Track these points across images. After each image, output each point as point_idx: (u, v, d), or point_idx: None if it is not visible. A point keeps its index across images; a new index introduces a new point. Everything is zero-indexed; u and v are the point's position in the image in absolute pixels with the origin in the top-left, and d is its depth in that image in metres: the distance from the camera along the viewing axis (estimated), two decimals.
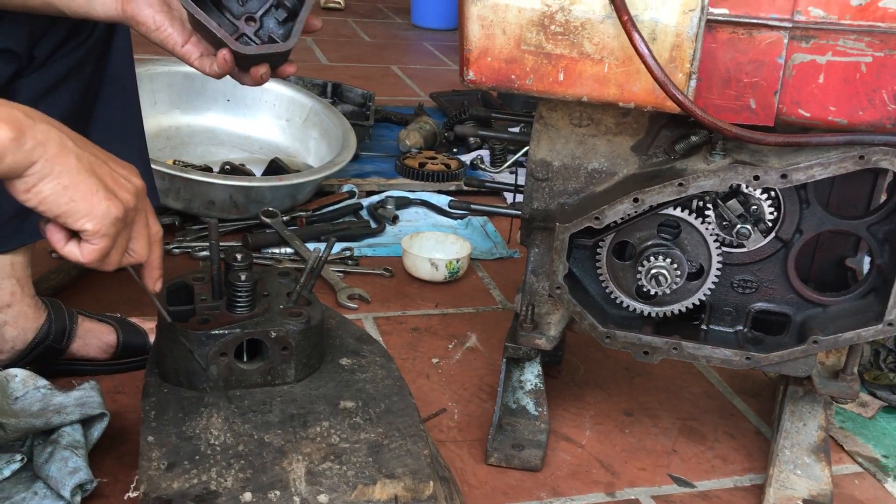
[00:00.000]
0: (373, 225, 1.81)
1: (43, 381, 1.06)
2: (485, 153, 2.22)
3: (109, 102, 1.20)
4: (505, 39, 0.96)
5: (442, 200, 1.99)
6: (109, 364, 1.20)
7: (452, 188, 2.05)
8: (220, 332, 0.96)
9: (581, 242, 1.08)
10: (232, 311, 0.99)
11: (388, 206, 1.90)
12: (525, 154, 2.12)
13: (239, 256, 1.02)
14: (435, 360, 1.37)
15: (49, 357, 1.15)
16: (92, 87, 1.18)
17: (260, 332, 0.97)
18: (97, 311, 1.27)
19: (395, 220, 1.86)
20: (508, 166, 2.18)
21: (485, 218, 1.90)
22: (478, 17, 0.96)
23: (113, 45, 1.19)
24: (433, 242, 1.69)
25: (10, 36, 1.06)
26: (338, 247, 1.69)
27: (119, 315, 1.27)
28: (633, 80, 0.94)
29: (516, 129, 2.19)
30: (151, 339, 1.23)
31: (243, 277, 0.99)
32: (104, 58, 1.19)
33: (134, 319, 1.26)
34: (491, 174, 2.16)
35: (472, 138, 2.30)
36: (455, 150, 2.27)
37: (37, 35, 1.08)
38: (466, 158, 2.19)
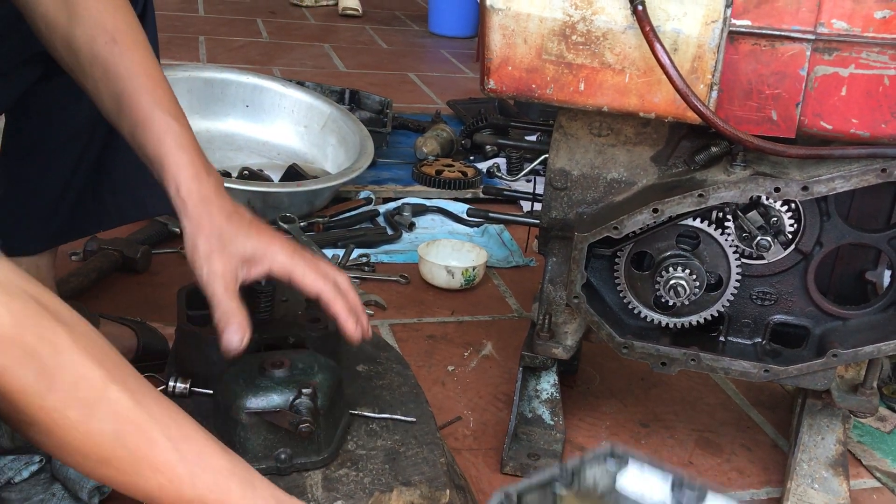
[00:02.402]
0: (389, 232, 1.82)
1: None
2: (501, 161, 2.22)
3: None
4: (526, 49, 0.96)
5: (458, 208, 2.00)
6: None
7: (469, 196, 2.05)
8: None
9: (599, 252, 1.08)
10: (251, 317, 1.00)
11: (405, 213, 1.90)
12: (542, 163, 2.13)
13: None
14: (450, 368, 1.37)
15: None
16: None
17: (278, 337, 0.98)
18: (117, 315, 1.28)
19: (411, 227, 1.87)
20: (525, 174, 2.18)
21: (501, 226, 1.90)
22: (499, 27, 0.96)
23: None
24: (449, 250, 1.69)
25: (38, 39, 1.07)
26: (355, 253, 1.69)
27: (139, 319, 1.28)
28: (654, 90, 0.94)
29: (533, 138, 2.19)
30: (171, 343, 1.23)
31: (263, 283, 1.00)
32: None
33: (153, 323, 1.27)
34: (508, 182, 2.15)
35: (488, 146, 2.31)
36: (472, 157, 2.28)
37: None
38: (483, 166, 2.20)
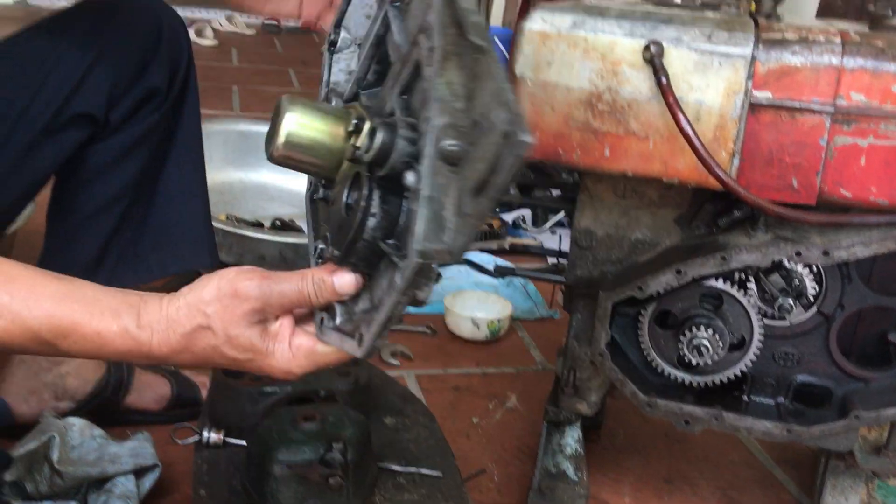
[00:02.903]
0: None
1: (99, 431, 1.10)
2: (526, 212, 2.26)
3: (177, 165, 1.26)
4: (553, 116, 1.00)
5: (484, 259, 2.03)
6: (162, 415, 1.24)
7: (494, 247, 2.08)
8: (272, 389, 0.99)
9: (623, 310, 1.11)
10: None
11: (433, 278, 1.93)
12: (566, 215, 2.16)
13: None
14: (475, 420, 1.39)
15: (106, 408, 1.20)
16: (162, 150, 1.25)
17: (310, 390, 1.01)
18: None
19: (437, 277, 1.90)
20: (550, 226, 2.22)
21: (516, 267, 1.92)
22: (528, 95, 1.00)
23: (184, 110, 1.26)
24: (475, 301, 1.72)
25: (89, 100, 1.13)
26: None
27: (172, 367, 1.31)
28: (677, 157, 0.97)
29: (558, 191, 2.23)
30: (203, 392, 1.27)
31: None
32: (175, 123, 1.25)
33: (186, 372, 1.31)
34: (532, 234, 2.19)
35: (513, 195, 2.35)
36: (497, 208, 2.31)
37: (114, 100, 1.15)
38: (508, 217, 2.23)
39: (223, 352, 0.71)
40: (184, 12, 4.72)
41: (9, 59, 1.12)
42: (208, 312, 0.70)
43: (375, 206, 0.67)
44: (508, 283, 1.92)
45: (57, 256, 1.21)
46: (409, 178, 0.65)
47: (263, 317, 0.71)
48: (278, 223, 1.86)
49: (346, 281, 0.71)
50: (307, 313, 0.75)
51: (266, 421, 0.93)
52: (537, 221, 2.23)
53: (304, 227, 1.86)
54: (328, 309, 0.73)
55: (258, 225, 1.82)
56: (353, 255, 0.69)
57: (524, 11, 3.74)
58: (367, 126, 0.68)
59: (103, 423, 1.15)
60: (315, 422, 0.91)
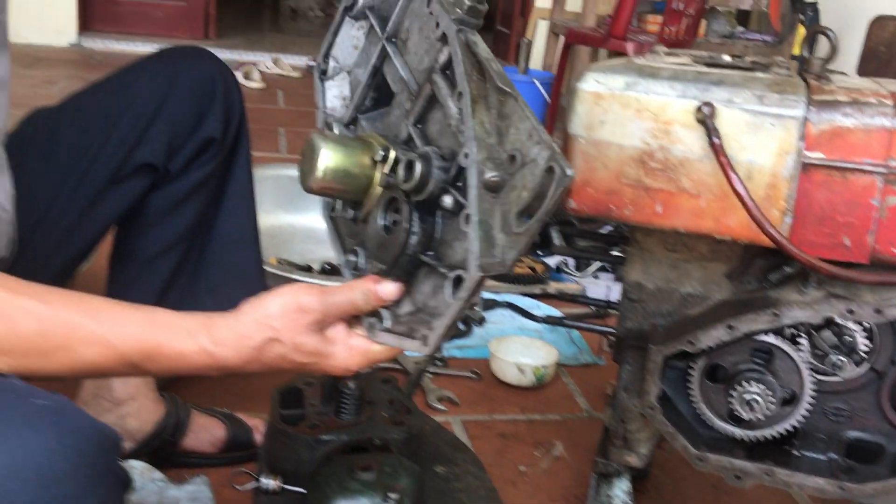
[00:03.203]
0: (461, 326, 1.87)
1: (158, 474, 1.13)
2: (563, 248, 2.27)
3: (231, 212, 1.31)
4: (606, 173, 1.02)
5: (528, 303, 2.04)
6: (217, 458, 1.27)
7: (538, 291, 2.10)
8: (329, 437, 1.02)
9: (673, 363, 1.12)
10: (339, 418, 1.06)
11: (476, 308, 1.96)
12: (609, 257, 2.17)
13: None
14: (522, 468, 1.40)
15: (163, 449, 1.23)
16: (216, 197, 1.29)
17: (364, 439, 1.03)
18: (205, 405, 1.35)
19: (481, 321, 1.92)
20: (593, 271, 2.23)
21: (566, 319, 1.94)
22: (581, 153, 1.03)
23: (237, 158, 1.31)
24: (520, 347, 1.74)
25: (151, 151, 1.18)
26: None
27: (226, 410, 1.34)
28: (728, 214, 0.99)
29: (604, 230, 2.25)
30: (257, 435, 1.29)
31: (351, 385, 1.06)
32: (229, 170, 1.30)
33: (240, 415, 1.33)
34: (575, 278, 2.20)
35: (556, 241, 2.37)
36: (539, 252, 2.33)
37: (174, 150, 1.20)
38: (552, 262, 2.25)
39: (291, 358, 0.80)
40: (232, 55, 4.87)
41: (79, 114, 1.18)
42: (276, 326, 0.79)
43: (416, 226, 0.79)
44: (553, 329, 1.93)
45: (119, 299, 1.25)
46: (447, 200, 0.78)
47: (323, 325, 0.81)
48: (327, 267, 1.90)
49: (389, 289, 0.82)
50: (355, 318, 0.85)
51: (323, 469, 0.95)
52: (580, 266, 2.25)
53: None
54: (375, 314, 0.83)
55: (307, 269, 1.86)
56: (397, 268, 0.81)
57: (565, 56, 3.79)
58: (401, 158, 0.80)
59: (160, 464, 1.18)
60: (372, 471, 0.93)
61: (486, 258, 0.72)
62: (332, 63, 0.98)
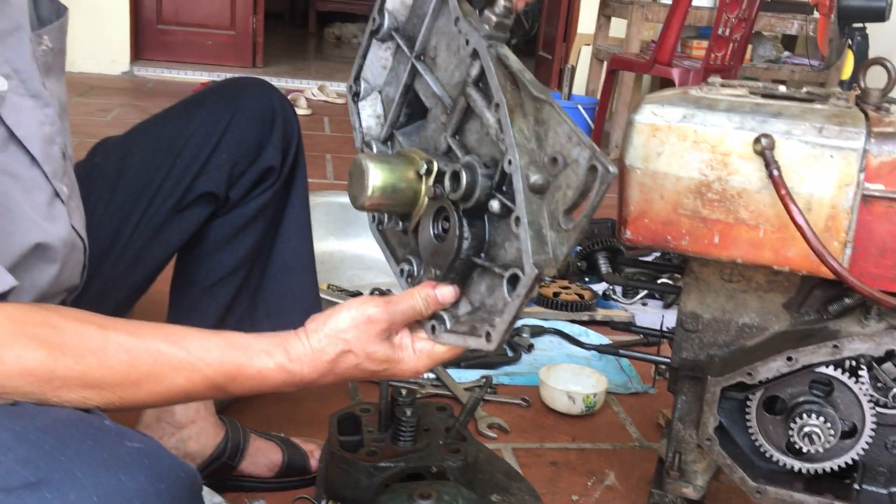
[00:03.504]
0: (509, 353, 1.88)
1: (218, 498, 1.15)
2: (616, 277, 2.27)
3: (288, 238, 1.34)
4: (662, 204, 1.03)
5: (575, 330, 2.04)
6: (273, 482, 1.29)
7: (586, 318, 2.09)
8: (386, 464, 1.03)
9: (731, 394, 1.11)
10: (396, 445, 1.07)
11: (524, 335, 1.96)
12: (660, 286, 2.16)
13: (404, 391, 1.10)
14: (574, 498, 1.39)
15: (222, 473, 1.25)
16: (274, 224, 1.32)
17: (422, 466, 1.04)
18: (261, 429, 1.37)
19: (530, 348, 1.92)
20: (641, 298, 2.22)
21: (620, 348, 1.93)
22: (637, 184, 1.03)
23: (294, 186, 1.33)
24: (569, 374, 1.73)
25: (213, 180, 1.21)
26: (476, 374, 1.75)
27: (283, 434, 1.36)
28: (787, 245, 0.98)
29: (649, 258, 2.24)
30: (311, 460, 1.31)
31: (409, 413, 1.07)
32: (286, 198, 1.33)
33: (295, 440, 1.35)
34: (624, 305, 2.20)
35: (604, 267, 2.37)
36: (587, 279, 2.33)
37: (234, 178, 1.23)
38: (599, 288, 2.25)
39: (363, 367, 0.84)
40: (278, 83, 4.94)
41: (144, 144, 1.22)
42: (348, 338, 0.82)
43: (466, 232, 0.84)
44: (602, 356, 1.92)
45: (181, 324, 1.28)
46: (494, 205, 0.82)
47: (390, 333, 0.85)
48: (377, 292, 1.92)
49: (447, 292, 0.86)
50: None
51: (383, 496, 0.97)
52: (627, 293, 2.24)
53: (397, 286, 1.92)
54: (436, 318, 0.87)
55: (357, 294, 1.88)
56: (452, 272, 0.85)
57: (609, 82, 3.80)
58: (445, 170, 0.85)
59: (218, 487, 1.20)
60: (431, 499, 0.94)
61: (540, 255, 0.77)
62: (363, 84, 1.02)
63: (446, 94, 0.91)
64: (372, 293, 1.94)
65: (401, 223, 0.94)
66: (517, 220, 0.78)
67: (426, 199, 0.87)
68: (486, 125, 0.84)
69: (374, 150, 1.00)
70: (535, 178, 0.77)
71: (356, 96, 1.02)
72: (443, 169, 0.86)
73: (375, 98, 1.03)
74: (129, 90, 4.66)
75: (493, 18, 0.82)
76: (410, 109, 0.99)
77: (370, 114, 1.03)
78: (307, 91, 4.80)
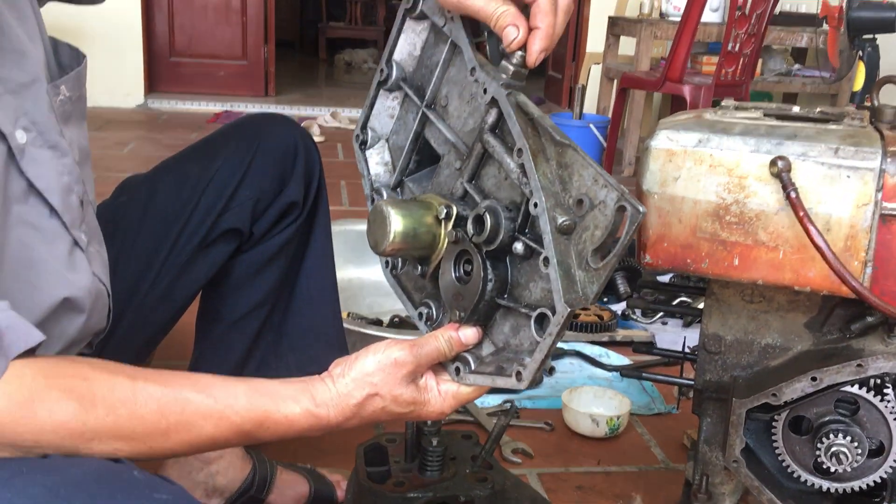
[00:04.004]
0: None
1: None
2: (637, 301, 2.27)
3: (312, 272, 1.35)
4: (681, 227, 1.04)
5: (596, 351, 2.04)
6: None
7: (605, 339, 2.10)
8: (415, 495, 1.04)
9: (756, 415, 1.11)
10: (423, 475, 1.08)
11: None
12: (679, 308, 2.16)
13: (429, 421, 1.11)
14: None
15: None
16: (297, 258, 1.34)
17: (450, 496, 1.04)
18: (287, 461, 1.38)
19: (551, 371, 1.91)
20: (660, 317, 2.22)
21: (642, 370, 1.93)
22: (655, 208, 1.04)
23: (316, 220, 1.35)
24: (592, 397, 1.73)
25: (237, 216, 1.23)
26: (498, 398, 1.76)
27: (309, 466, 1.37)
28: (807, 266, 0.99)
29: (666, 278, 2.24)
30: (338, 491, 1.32)
31: (434, 443, 1.08)
32: (309, 233, 1.34)
33: (322, 471, 1.36)
34: (644, 325, 2.20)
35: (622, 287, 2.37)
36: (605, 299, 2.33)
37: (258, 214, 1.25)
38: (618, 308, 2.25)
39: (390, 410, 0.85)
40: (291, 111, 5.01)
41: (169, 182, 1.24)
42: (375, 381, 0.83)
43: (490, 274, 0.85)
44: (623, 377, 1.92)
45: (208, 360, 1.29)
46: (518, 247, 0.84)
47: (416, 376, 0.86)
48: (396, 320, 1.94)
49: (469, 334, 0.88)
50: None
51: None
52: (647, 313, 2.24)
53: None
54: (459, 359, 0.89)
55: (378, 322, 1.89)
56: (476, 314, 0.87)
57: (620, 100, 3.81)
58: (465, 214, 0.88)
59: None
60: None
61: (570, 294, 0.78)
62: (370, 133, 1.05)
63: (460, 140, 0.93)
64: (392, 320, 1.95)
65: (419, 267, 0.95)
66: (545, 260, 0.79)
67: (445, 243, 0.89)
68: (505, 170, 0.86)
69: (385, 196, 1.02)
70: (561, 219, 0.79)
71: (363, 145, 1.04)
72: (462, 213, 0.88)
73: (383, 146, 1.05)
74: (143, 123, 4.73)
75: (511, 68, 0.84)
76: (420, 157, 1.01)
77: (378, 161, 1.05)
78: (320, 118, 4.84)
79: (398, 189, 1.03)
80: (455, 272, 0.89)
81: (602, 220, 0.78)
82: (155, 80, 5.38)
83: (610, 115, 3.97)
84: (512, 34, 0.81)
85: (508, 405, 1.74)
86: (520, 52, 0.84)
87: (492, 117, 0.87)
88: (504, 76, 0.85)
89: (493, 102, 0.86)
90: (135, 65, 5.13)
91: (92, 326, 0.89)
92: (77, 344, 0.88)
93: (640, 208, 0.75)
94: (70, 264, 0.84)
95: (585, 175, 0.81)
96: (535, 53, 0.82)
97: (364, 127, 1.04)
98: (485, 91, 0.87)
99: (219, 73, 5.50)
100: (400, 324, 1.92)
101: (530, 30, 0.82)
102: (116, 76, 5.03)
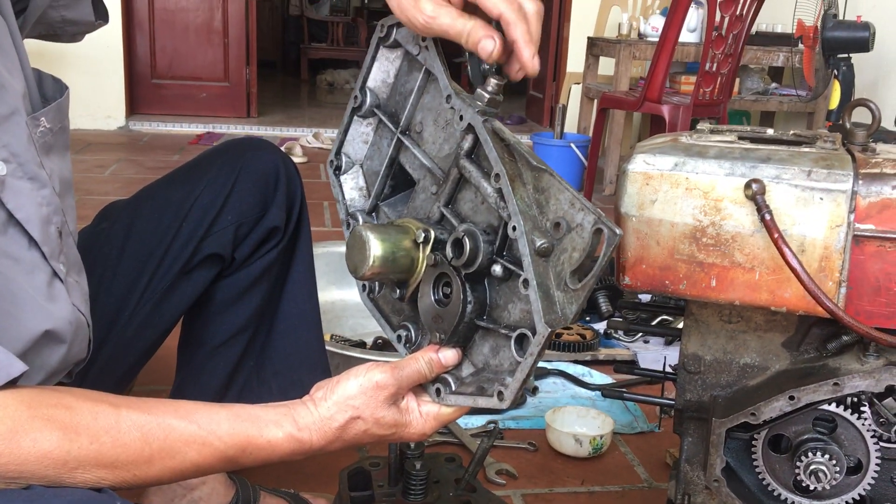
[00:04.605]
0: None
1: None
2: (618, 321, 2.28)
3: (294, 296, 1.36)
4: (659, 250, 1.05)
5: (579, 370, 2.05)
6: None
7: (588, 358, 2.11)
8: None
9: (736, 434, 1.12)
10: (407, 498, 1.08)
11: (529, 378, 1.97)
12: (659, 323, 2.18)
13: (412, 444, 1.11)
14: None
15: None
16: (280, 283, 1.34)
17: None
18: (270, 485, 1.38)
19: (534, 391, 1.93)
20: (643, 336, 2.24)
21: (624, 390, 1.94)
22: (633, 231, 1.06)
23: (298, 245, 1.36)
24: (575, 416, 1.74)
25: (219, 241, 1.23)
26: (482, 419, 1.76)
27: (293, 490, 1.37)
28: (784, 286, 1.00)
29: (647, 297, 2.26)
30: None
31: (418, 466, 1.08)
32: (291, 257, 1.35)
33: (305, 495, 1.36)
34: (626, 343, 2.21)
35: (604, 307, 2.38)
36: (587, 318, 2.35)
37: (239, 239, 1.25)
38: (600, 327, 2.26)
39: (372, 432, 0.86)
40: (273, 132, 5.01)
41: (151, 208, 1.24)
42: (357, 405, 0.84)
43: (469, 296, 0.86)
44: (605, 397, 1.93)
45: (190, 385, 1.29)
46: (497, 269, 0.85)
47: (397, 398, 0.87)
48: (380, 341, 1.94)
49: (449, 355, 0.89)
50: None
51: None
52: (629, 332, 2.25)
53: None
54: (440, 381, 0.90)
55: (361, 344, 1.90)
56: (456, 335, 0.88)
57: (600, 120, 3.85)
58: (443, 238, 0.90)
59: None
60: None
61: (550, 314, 0.80)
62: (344, 158, 1.07)
63: (436, 166, 0.94)
64: (375, 342, 1.95)
65: (397, 291, 0.96)
66: (525, 282, 0.81)
67: (424, 266, 0.90)
68: (482, 194, 0.87)
69: (361, 221, 1.03)
70: (540, 242, 0.81)
71: (338, 170, 1.06)
72: (440, 237, 0.89)
73: (357, 171, 1.07)
74: (125, 145, 4.71)
75: (486, 95, 0.86)
76: (395, 181, 1.03)
77: (352, 186, 1.07)
78: (302, 139, 4.85)
79: (373, 214, 1.05)
80: (434, 295, 0.90)
81: (580, 243, 0.80)
82: (136, 102, 5.38)
83: (590, 135, 4.00)
84: (488, 46, 0.82)
85: (492, 426, 1.74)
86: (495, 80, 0.86)
87: (468, 143, 0.88)
88: (479, 103, 0.87)
89: (470, 129, 0.88)
90: (116, 87, 5.12)
91: (73, 357, 0.89)
92: (58, 374, 0.88)
93: (617, 231, 0.77)
94: (49, 295, 0.84)
95: (562, 199, 0.83)
96: (529, 61, 0.82)
97: (338, 153, 1.06)
98: (461, 118, 0.88)
99: (200, 94, 5.51)
100: (383, 346, 1.93)
101: (508, 42, 0.83)
102: (97, 98, 5.02)
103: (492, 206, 0.86)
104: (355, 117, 1.03)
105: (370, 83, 1.01)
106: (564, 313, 0.81)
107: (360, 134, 1.05)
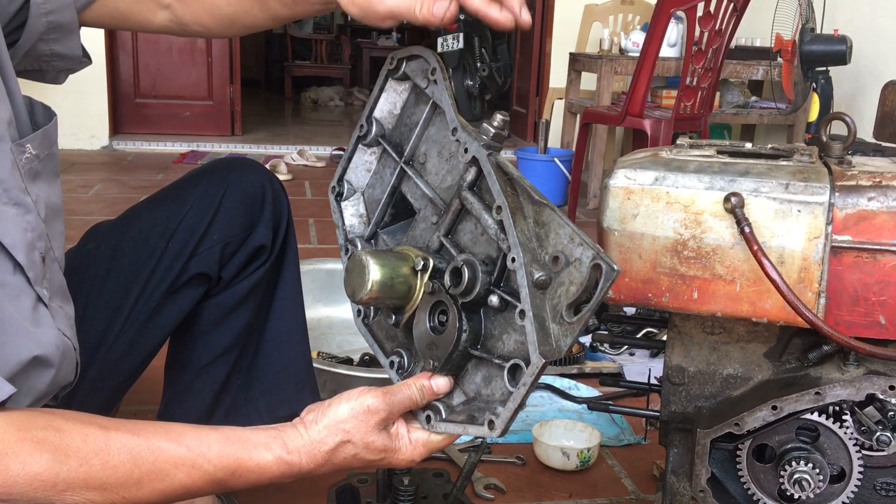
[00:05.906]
0: None
1: None
2: (603, 335, 2.29)
3: (281, 315, 1.36)
4: (641, 263, 1.06)
5: (565, 383, 2.06)
6: None
7: (574, 371, 2.12)
8: None
9: (720, 444, 1.13)
10: None
11: None
12: (644, 335, 2.19)
13: None
14: None
15: None
16: (266, 302, 1.34)
17: None
18: None
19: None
20: (628, 349, 2.25)
21: (610, 402, 1.95)
22: (616, 245, 1.07)
23: (285, 263, 1.36)
24: (562, 430, 1.75)
25: (205, 260, 1.23)
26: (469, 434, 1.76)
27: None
28: (764, 298, 1.02)
29: (632, 309, 2.28)
30: None
31: (406, 482, 1.09)
32: (277, 277, 1.35)
33: None
34: (612, 356, 2.22)
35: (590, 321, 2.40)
36: None
37: (226, 258, 1.26)
38: (585, 340, 2.27)
39: (361, 457, 0.86)
40: (258, 150, 5.01)
41: (137, 228, 1.24)
42: (347, 429, 0.85)
43: (465, 325, 0.87)
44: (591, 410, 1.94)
45: (177, 405, 1.29)
46: (494, 300, 0.87)
47: (388, 423, 0.88)
48: (367, 358, 1.94)
49: (442, 383, 0.90)
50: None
51: None
52: (614, 344, 2.26)
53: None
54: (430, 408, 0.91)
55: (348, 361, 1.90)
56: (449, 363, 0.89)
57: (583, 134, 3.88)
58: (442, 266, 0.90)
59: None
60: None
61: (544, 346, 0.81)
62: (346, 185, 1.08)
63: (438, 196, 0.96)
64: (362, 358, 1.96)
65: (393, 317, 0.97)
66: (521, 313, 0.82)
67: (421, 294, 0.92)
68: (483, 226, 0.89)
69: (360, 247, 1.04)
70: (538, 274, 0.83)
71: (339, 196, 1.07)
72: (438, 265, 0.90)
73: (358, 198, 1.08)
74: (109, 165, 4.70)
75: (492, 130, 0.89)
76: (395, 210, 1.04)
77: (353, 213, 1.09)
78: (287, 156, 4.86)
79: (372, 240, 1.06)
80: (430, 322, 0.91)
81: (577, 277, 0.82)
82: (120, 121, 5.37)
83: (574, 149, 4.03)
84: (441, 7, 0.85)
85: (479, 440, 1.74)
86: (500, 116, 0.88)
87: (471, 175, 0.90)
88: (485, 137, 0.89)
89: (474, 161, 0.89)
90: (99, 106, 5.12)
91: (60, 380, 0.89)
92: (45, 397, 0.88)
93: (615, 267, 0.79)
94: (35, 320, 0.85)
95: (562, 233, 0.84)
96: (518, 9, 0.84)
97: (341, 179, 1.07)
98: (465, 150, 0.90)
99: (184, 113, 5.50)
100: (370, 362, 1.93)
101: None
102: (81, 118, 5.01)
103: (492, 237, 0.88)
104: (360, 146, 1.05)
105: (377, 113, 1.03)
106: (559, 345, 0.82)
107: (364, 162, 1.07)
